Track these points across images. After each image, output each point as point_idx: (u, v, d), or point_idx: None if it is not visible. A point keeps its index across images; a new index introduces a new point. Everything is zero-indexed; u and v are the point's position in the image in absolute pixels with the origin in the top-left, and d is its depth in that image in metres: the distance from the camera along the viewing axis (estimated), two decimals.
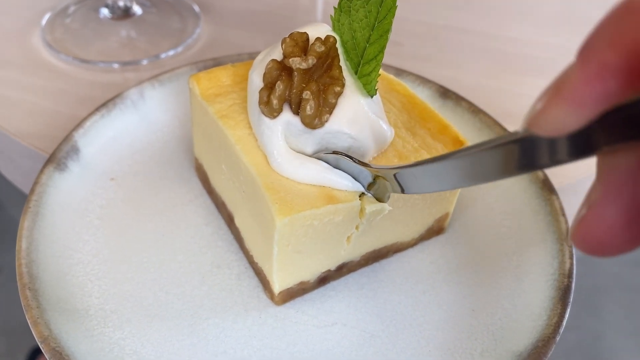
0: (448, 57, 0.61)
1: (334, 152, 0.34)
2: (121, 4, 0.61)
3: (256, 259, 0.37)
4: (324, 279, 0.38)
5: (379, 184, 0.33)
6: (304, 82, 0.32)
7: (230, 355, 0.34)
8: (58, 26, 0.60)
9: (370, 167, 0.32)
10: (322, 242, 0.35)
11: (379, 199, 0.34)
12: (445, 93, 0.48)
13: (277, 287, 0.36)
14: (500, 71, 0.60)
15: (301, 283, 0.37)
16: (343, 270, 0.38)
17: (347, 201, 0.33)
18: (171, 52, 0.58)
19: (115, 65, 0.56)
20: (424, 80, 0.49)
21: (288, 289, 0.36)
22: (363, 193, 0.34)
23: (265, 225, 0.33)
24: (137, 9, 0.62)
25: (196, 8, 0.64)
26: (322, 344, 0.35)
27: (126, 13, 0.61)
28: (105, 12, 0.61)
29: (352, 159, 0.33)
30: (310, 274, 0.37)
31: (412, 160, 0.35)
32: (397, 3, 0.32)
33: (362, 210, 0.34)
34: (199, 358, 0.34)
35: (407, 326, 0.36)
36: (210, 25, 0.62)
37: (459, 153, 0.25)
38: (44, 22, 0.60)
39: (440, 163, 0.27)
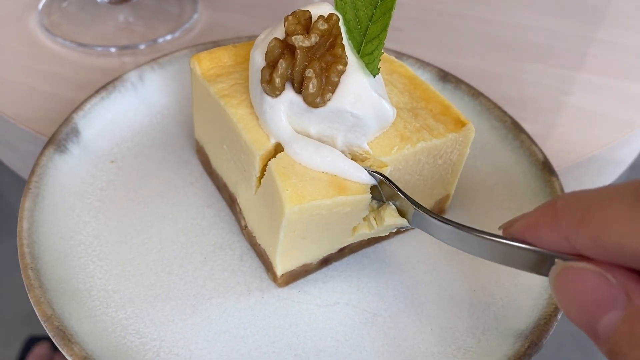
0: (447, 43, 0.61)
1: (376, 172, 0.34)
2: None
3: (259, 240, 0.37)
4: (326, 260, 0.38)
5: (401, 200, 0.33)
6: (307, 61, 0.32)
7: (233, 334, 0.34)
8: (55, 10, 0.59)
9: (410, 200, 0.32)
10: (328, 230, 0.34)
11: (402, 214, 0.34)
12: (445, 76, 0.48)
13: (280, 269, 0.36)
14: (499, 57, 0.60)
15: (304, 265, 0.37)
16: (345, 251, 0.38)
17: (357, 193, 0.33)
18: (169, 37, 0.57)
19: (113, 50, 0.55)
20: (423, 64, 0.49)
21: (291, 271, 0.36)
22: (383, 201, 0.34)
23: (273, 209, 0.33)
24: None
25: None
26: (324, 323, 0.35)
27: None
28: None
29: (396, 187, 0.33)
30: (313, 257, 0.37)
31: (414, 140, 0.35)
32: None
33: (381, 219, 0.34)
34: (201, 337, 0.34)
35: (409, 305, 0.36)
36: (208, 9, 0.62)
37: (500, 239, 0.28)
38: (40, 5, 0.60)
39: (473, 235, 0.29)
